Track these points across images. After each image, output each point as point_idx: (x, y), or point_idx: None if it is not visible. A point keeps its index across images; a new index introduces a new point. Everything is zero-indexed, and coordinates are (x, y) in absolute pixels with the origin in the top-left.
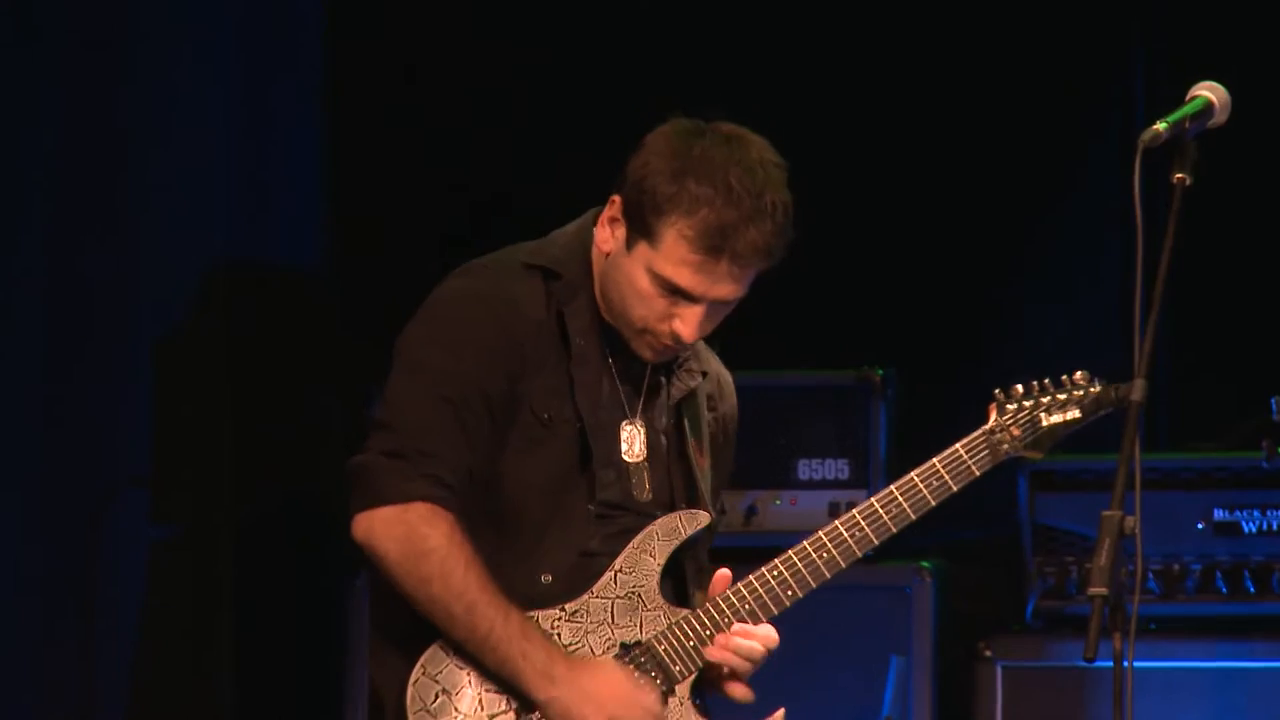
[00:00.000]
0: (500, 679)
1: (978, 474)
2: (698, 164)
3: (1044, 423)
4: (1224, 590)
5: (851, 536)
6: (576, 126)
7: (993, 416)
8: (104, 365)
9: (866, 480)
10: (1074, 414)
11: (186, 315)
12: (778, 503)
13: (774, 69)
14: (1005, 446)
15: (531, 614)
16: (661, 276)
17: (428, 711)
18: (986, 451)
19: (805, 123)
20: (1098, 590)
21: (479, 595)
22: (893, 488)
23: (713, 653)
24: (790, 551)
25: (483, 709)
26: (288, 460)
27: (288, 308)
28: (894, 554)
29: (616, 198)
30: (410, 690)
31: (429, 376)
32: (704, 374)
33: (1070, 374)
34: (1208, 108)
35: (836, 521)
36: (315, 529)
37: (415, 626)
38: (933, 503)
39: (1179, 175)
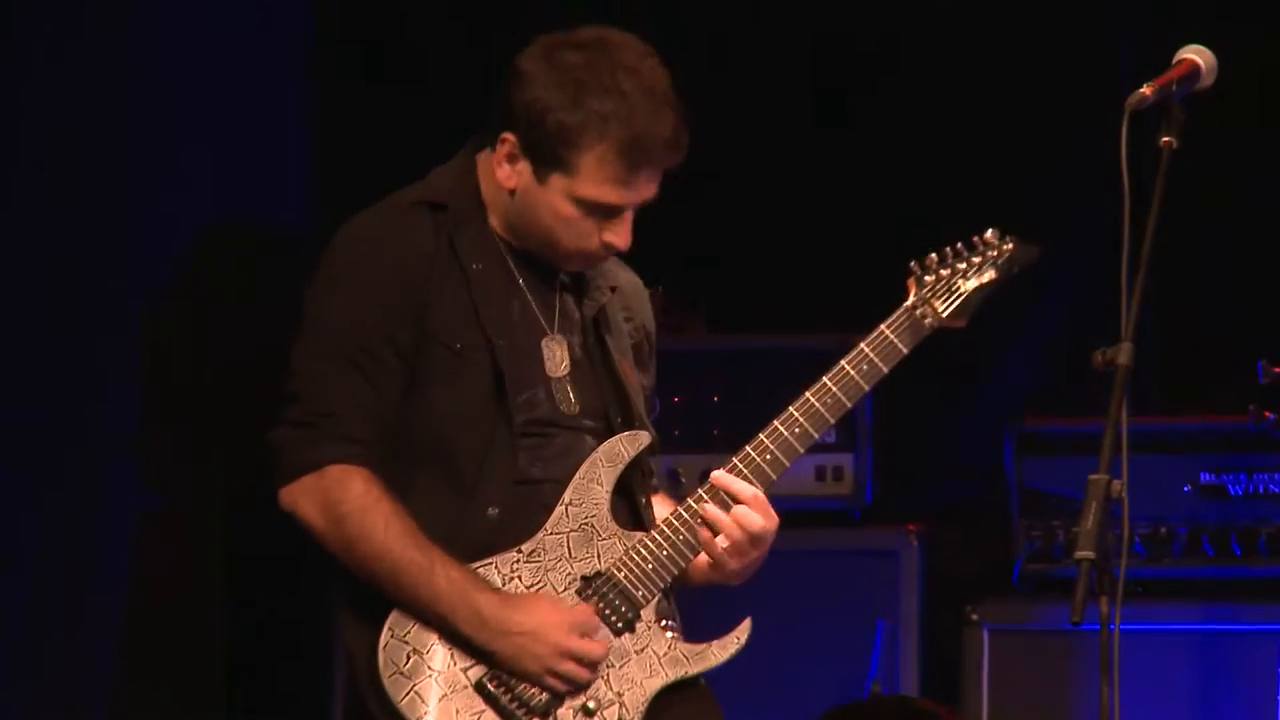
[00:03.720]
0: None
1: (906, 352)
2: (587, 81)
3: (962, 289)
4: (1210, 553)
5: (791, 433)
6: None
7: (912, 291)
8: (89, 330)
9: (853, 444)
10: (989, 275)
11: (174, 278)
12: None
13: (750, 30)
14: (929, 320)
15: (490, 560)
16: (586, 200)
17: (401, 674)
18: (910, 328)
19: (788, 85)
20: (1084, 554)
21: (400, 554)
22: (825, 379)
23: (704, 536)
24: (724, 469)
25: (456, 663)
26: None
27: (277, 270)
28: (881, 518)
29: (510, 135)
30: (381, 655)
31: (325, 334)
32: (613, 289)
33: (981, 234)
34: (1194, 72)
35: (775, 422)
36: None
37: (375, 590)
38: (865, 387)
39: (1166, 139)
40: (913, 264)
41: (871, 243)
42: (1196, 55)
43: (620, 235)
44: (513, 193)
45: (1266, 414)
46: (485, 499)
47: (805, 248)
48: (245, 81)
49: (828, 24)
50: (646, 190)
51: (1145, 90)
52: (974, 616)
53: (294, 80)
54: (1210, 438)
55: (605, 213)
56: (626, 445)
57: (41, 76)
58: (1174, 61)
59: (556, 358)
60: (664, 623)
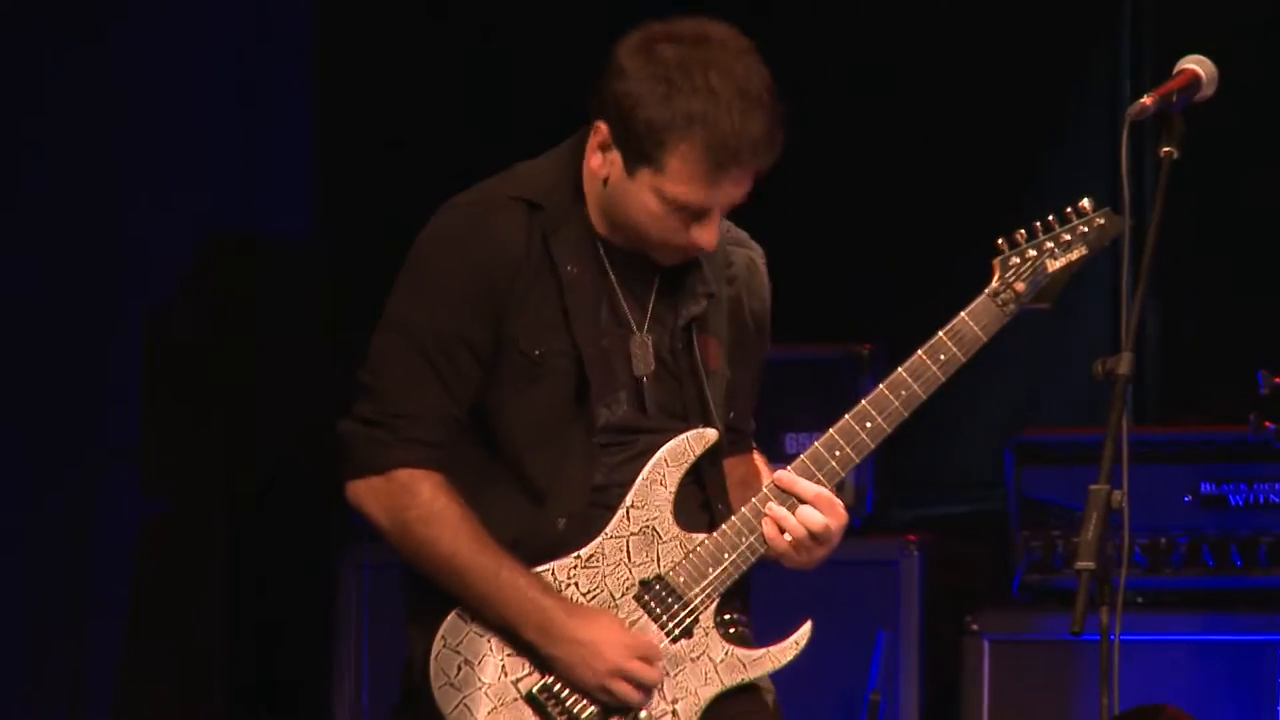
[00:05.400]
0: (515, 638)
1: (985, 340)
2: (679, 79)
3: (1049, 269)
4: (1210, 564)
5: (863, 428)
6: (574, 86)
7: (996, 275)
8: (92, 336)
9: None
10: (1079, 252)
11: (176, 285)
12: None
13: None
14: (1010, 306)
15: (547, 566)
16: (672, 198)
17: (452, 685)
18: (991, 315)
19: (793, 95)
20: (1085, 564)
21: (468, 560)
22: (900, 370)
23: (769, 528)
24: (791, 467)
25: (506, 675)
26: (278, 430)
27: (278, 277)
28: (881, 528)
29: (602, 125)
30: (433, 664)
31: (405, 332)
32: (709, 296)
33: (1076, 204)
34: (1195, 82)
35: (847, 417)
36: (306, 499)
37: (434, 594)
38: (942, 378)
39: (1166, 149)
40: (1000, 242)
41: (877, 251)
42: (1197, 65)
43: (708, 234)
44: (605, 181)
45: (1267, 424)
46: (555, 509)
47: (812, 257)
48: (245, 82)
49: (842, 43)
50: (735, 191)
51: (1146, 100)
52: (974, 626)
53: (294, 80)
54: (1210, 448)
55: (692, 212)
56: (693, 444)
57: (43, 77)
58: (1174, 72)
59: (643, 358)
60: (728, 621)
